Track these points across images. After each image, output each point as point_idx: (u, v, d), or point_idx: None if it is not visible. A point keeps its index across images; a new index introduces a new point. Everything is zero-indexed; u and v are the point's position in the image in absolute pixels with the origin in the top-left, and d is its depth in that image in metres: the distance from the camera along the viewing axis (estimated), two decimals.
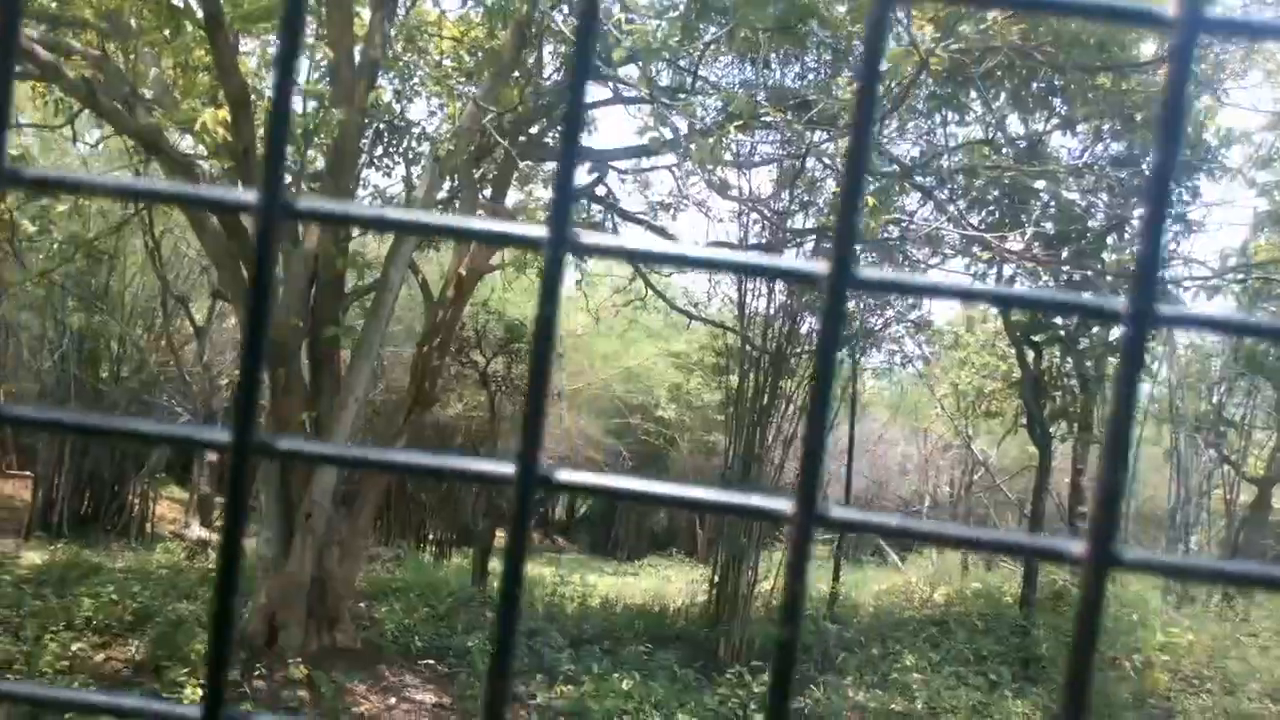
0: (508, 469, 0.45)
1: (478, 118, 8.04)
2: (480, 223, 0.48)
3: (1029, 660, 10.32)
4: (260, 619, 8.30)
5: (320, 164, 9.44)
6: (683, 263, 0.46)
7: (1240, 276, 12.32)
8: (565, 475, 0.45)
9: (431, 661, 9.05)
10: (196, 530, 15.73)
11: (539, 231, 0.44)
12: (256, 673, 7.56)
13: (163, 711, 0.47)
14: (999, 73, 11.42)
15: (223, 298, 11.72)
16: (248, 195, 0.44)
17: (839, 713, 8.58)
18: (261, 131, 8.18)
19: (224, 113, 7.21)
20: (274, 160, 0.46)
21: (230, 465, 0.46)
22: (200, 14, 7.16)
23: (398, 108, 10.48)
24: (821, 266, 0.43)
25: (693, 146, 7.80)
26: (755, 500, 0.46)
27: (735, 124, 7.19)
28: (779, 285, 12.17)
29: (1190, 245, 11.88)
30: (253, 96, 7.93)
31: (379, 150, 10.87)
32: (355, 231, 10.83)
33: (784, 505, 0.44)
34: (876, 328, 12.89)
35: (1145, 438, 15.79)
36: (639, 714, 7.93)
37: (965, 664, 10.06)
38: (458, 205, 10.28)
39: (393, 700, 7.78)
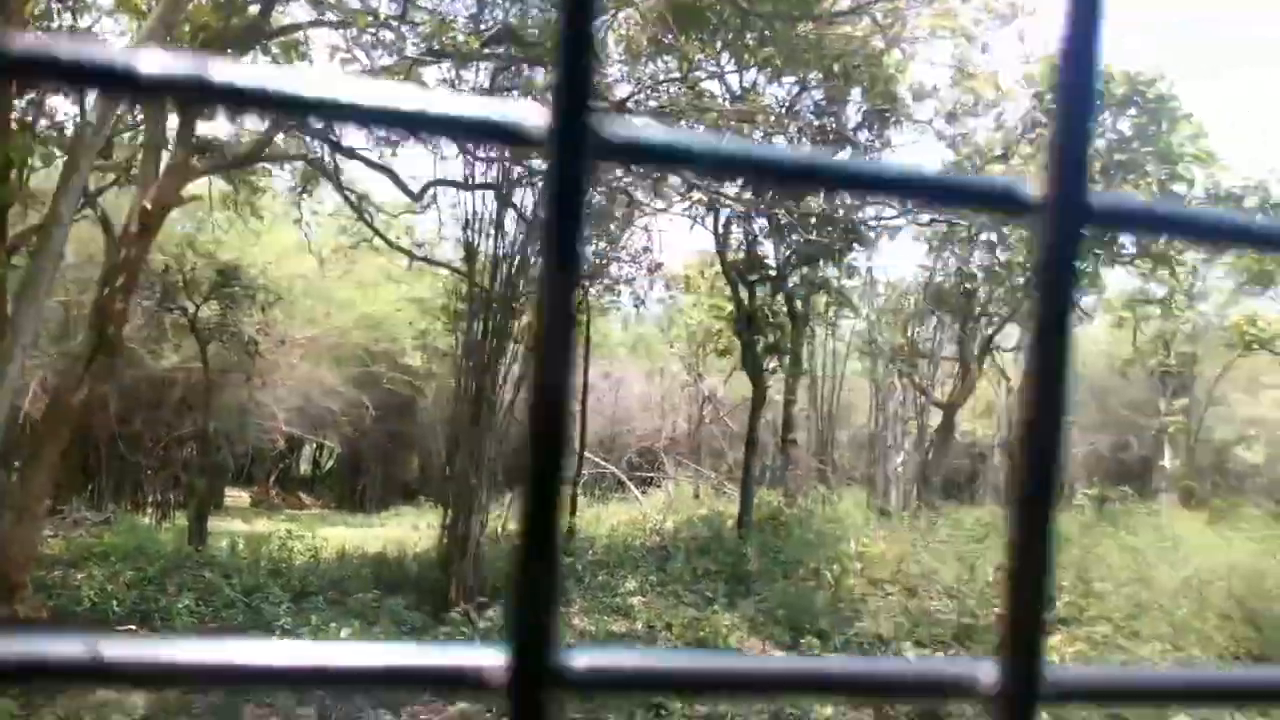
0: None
1: None
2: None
3: (741, 576, 11.09)
4: None
5: None
6: None
7: (927, 219, 13.58)
8: None
9: (134, 626, 8.49)
10: None
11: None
12: None
13: None
14: (714, 22, 11.87)
15: None
16: None
17: (561, 641, 8.85)
18: None
19: None
20: None
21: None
22: None
23: None
24: None
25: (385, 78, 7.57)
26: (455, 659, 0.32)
27: (422, 58, 7.00)
28: (509, 226, 12.10)
29: None
30: None
31: None
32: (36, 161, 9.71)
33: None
34: (606, 265, 13.18)
35: (852, 370, 17.25)
36: None
37: (684, 584, 10.67)
38: None
39: None
